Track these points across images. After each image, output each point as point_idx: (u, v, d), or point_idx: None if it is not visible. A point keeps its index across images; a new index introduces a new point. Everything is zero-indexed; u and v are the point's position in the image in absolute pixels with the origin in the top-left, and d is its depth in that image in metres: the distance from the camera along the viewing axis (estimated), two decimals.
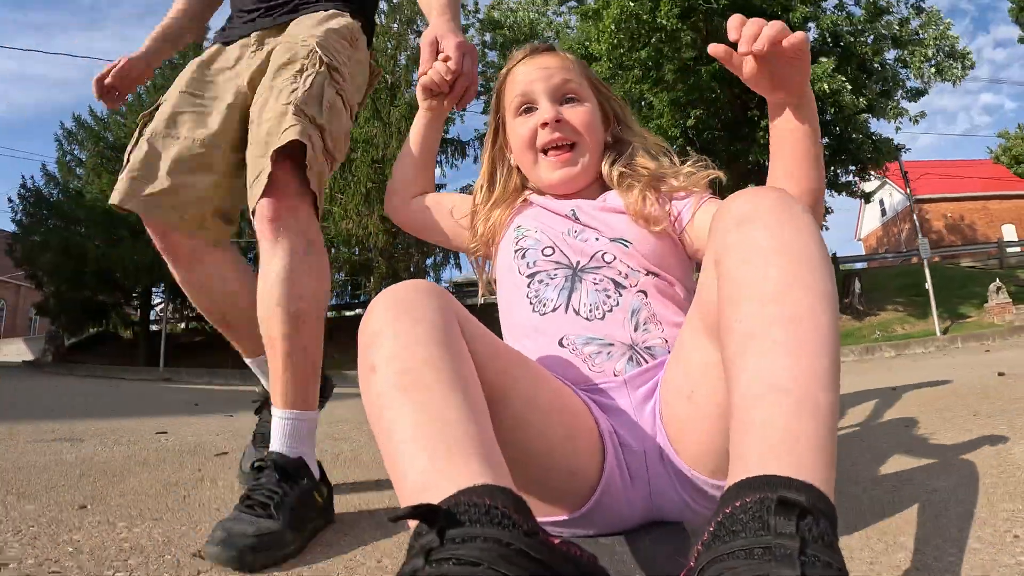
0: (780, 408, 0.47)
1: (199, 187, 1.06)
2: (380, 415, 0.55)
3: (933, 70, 10.80)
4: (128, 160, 1.08)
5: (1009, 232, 24.43)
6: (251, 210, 0.98)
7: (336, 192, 12.00)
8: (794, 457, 0.44)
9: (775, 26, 0.68)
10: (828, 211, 12.38)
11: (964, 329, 10.00)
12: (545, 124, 0.95)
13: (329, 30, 1.09)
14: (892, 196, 26.31)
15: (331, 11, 1.15)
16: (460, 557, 0.39)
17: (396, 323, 0.58)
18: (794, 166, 0.79)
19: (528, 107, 0.99)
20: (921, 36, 10.69)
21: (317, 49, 1.04)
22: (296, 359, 0.93)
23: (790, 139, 0.78)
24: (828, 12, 10.45)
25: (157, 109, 1.12)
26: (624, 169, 0.97)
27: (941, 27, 10.79)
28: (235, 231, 1.18)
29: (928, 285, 10.28)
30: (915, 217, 13.48)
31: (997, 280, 10.71)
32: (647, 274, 0.88)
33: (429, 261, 14.06)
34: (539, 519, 0.65)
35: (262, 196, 0.94)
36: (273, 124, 0.97)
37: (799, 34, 0.68)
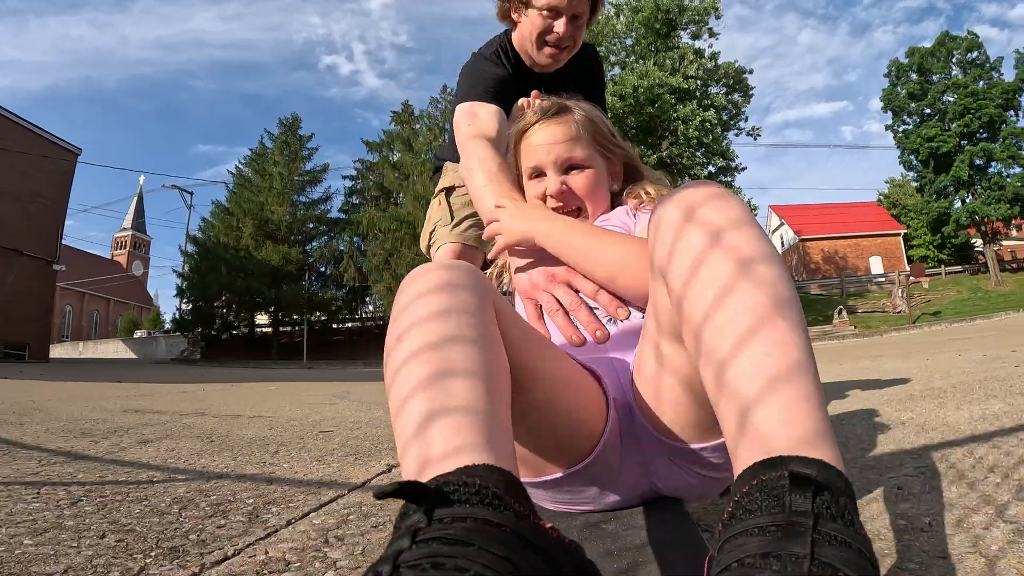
0: (777, 396, 0.47)
1: None
2: (399, 387, 0.54)
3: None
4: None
5: (876, 263, 32.79)
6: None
7: None
8: (803, 440, 0.44)
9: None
10: None
11: None
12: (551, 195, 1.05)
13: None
14: (787, 233, 34.92)
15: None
16: (450, 536, 0.37)
17: (429, 298, 0.57)
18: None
19: (539, 173, 1.08)
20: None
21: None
22: None
23: None
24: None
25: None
26: (635, 197, 1.05)
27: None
28: None
29: None
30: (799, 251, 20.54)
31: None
32: None
33: None
34: (538, 478, 0.76)
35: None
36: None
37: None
